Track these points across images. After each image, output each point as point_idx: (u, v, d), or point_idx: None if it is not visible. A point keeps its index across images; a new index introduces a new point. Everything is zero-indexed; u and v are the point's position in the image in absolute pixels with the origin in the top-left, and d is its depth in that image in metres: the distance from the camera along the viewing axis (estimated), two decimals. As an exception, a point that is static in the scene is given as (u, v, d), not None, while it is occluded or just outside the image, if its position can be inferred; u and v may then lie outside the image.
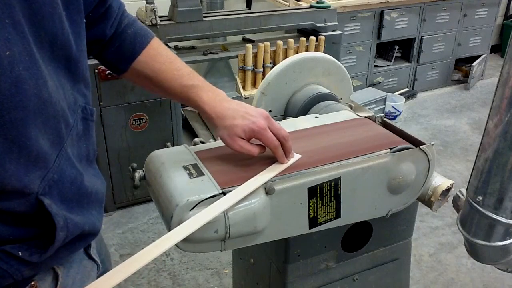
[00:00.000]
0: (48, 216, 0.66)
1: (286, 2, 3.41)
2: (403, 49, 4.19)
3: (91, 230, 0.76)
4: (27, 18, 0.61)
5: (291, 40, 2.58)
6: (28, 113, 0.61)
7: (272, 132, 0.88)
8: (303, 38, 2.66)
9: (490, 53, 4.68)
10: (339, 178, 0.93)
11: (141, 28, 0.95)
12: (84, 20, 0.75)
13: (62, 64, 0.69)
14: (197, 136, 2.54)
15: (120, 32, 0.91)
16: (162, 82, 0.92)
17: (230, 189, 0.83)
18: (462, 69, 4.59)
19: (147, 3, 2.33)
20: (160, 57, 0.93)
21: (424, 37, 4.06)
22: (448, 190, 1.10)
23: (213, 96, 0.91)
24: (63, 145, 0.69)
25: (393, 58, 4.13)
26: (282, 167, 0.90)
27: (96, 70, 2.25)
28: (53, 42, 0.66)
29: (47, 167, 0.66)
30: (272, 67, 1.65)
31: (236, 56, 2.56)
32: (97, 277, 0.90)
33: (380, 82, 4.03)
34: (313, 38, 2.66)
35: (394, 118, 3.74)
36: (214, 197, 0.82)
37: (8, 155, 0.60)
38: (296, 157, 0.94)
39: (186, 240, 0.77)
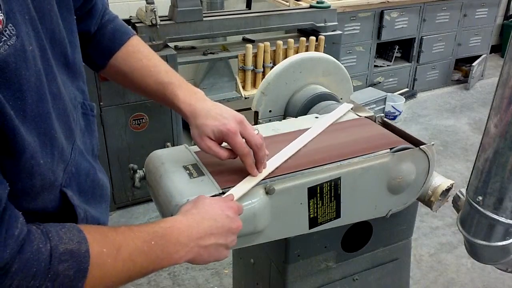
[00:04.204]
0: (70, 210, 0.68)
1: (286, 2, 3.41)
2: (403, 49, 4.19)
3: (103, 224, 0.77)
4: (35, 14, 0.62)
5: (291, 40, 2.58)
6: (49, 106, 0.62)
7: (245, 138, 0.84)
8: (303, 38, 2.66)
9: (490, 53, 4.68)
10: (339, 178, 0.93)
11: (121, 25, 0.93)
12: (74, 17, 0.76)
13: (61, 62, 0.70)
14: (197, 136, 2.53)
15: (100, 27, 0.90)
16: (139, 79, 0.90)
17: (230, 189, 0.84)
18: (462, 69, 4.58)
19: (147, 3, 2.33)
20: (138, 54, 0.91)
21: (424, 37, 4.06)
22: (448, 190, 1.09)
23: (189, 94, 0.88)
24: (75, 139, 0.71)
25: (393, 58, 4.13)
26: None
27: (96, 70, 2.25)
28: (52, 39, 0.66)
29: (67, 160, 0.67)
30: (272, 67, 1.65)
31: (236, 56, 2.56)
32: None
33: (380, 82, 4.03)
34: (313, 38, 2.65)
35: (394, 118, 3.74)
36: (214, 197, 0.82)
37: (43, 148, 0.61)
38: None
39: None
